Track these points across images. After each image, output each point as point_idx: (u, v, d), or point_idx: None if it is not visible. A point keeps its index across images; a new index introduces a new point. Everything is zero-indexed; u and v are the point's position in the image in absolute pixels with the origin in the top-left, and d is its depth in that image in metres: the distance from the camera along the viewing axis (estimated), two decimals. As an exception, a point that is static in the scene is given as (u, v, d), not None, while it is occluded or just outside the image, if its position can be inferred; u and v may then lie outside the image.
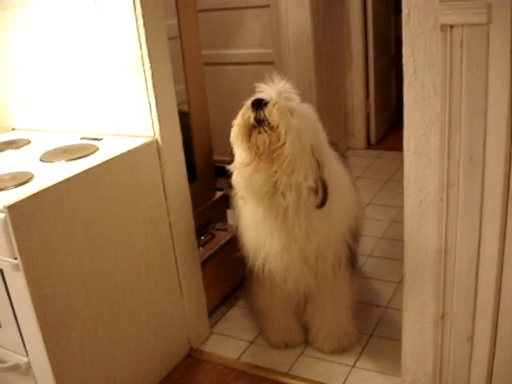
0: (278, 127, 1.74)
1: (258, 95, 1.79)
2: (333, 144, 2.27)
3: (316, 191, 1.83)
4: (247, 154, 1.81)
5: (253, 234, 2.01)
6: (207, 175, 2.71)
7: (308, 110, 1.87)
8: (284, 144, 1.75)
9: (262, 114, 1.74)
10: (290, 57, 4.01)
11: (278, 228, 1.91)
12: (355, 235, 2.08)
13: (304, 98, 4.11)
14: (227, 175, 3.61)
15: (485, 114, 1.46)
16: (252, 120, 1.76)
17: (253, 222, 1.99)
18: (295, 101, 1.83)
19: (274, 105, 1.74)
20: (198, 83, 2.59)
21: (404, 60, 1.51)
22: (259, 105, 1.74)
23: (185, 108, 2.47)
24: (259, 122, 1.75)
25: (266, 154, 1.78)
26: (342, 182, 1.98)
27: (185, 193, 2.23)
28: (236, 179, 1.89)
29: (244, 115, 1.78)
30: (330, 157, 1.94)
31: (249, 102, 1.77)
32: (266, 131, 1.75)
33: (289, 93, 1.83)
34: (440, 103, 1.49)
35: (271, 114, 1.74)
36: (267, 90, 1.82)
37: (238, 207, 2.08)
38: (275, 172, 1.79)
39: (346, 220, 2.00)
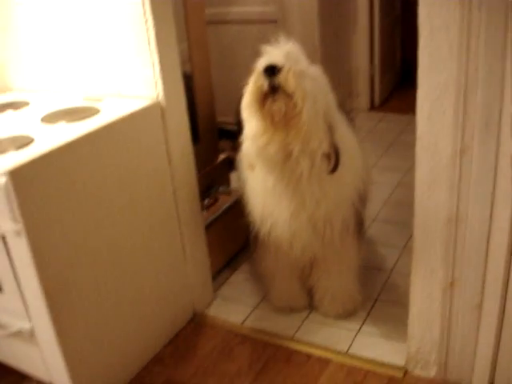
0: (293, 94, 1.66)
1: (266, 58, 1.71)
2: (340, 105, 2.22)
3: (328, 157, 1.78)
4: (261, 124, 1.73)
5: (260, 202, 1.96)
6: (210, 137, 2.66)
7: (318, 73, 1.80)
8: (301, 112, 1.68)
9: (276, 80, 1.66)
10: (294, 15, 3.91)
11: (288, 195, 1.87)
12: (363, 199, 2.04)
13: (308, 58, 4.03)
14: (231, 137, 3.58)
15: (502, 79, 1.40)
16: (266, 87, 1.67)
17: (261, 189, 1.94)
18: (304, 63, 1.75)
19: (288, 71, 1.66)
20: (201, 42, 2.52)
21: (419, 21, 1.45)
22: (272, 71, 1.66)
23: (186, 69, 2.40)
24: (273, 89, 1.67)
25: (282, 123, 1.71)
26: (350, 145, 1.93)
27: (189, 156, 2.18)
28: (247, 149, 1.83)
29: (257, 82, 1.70)
30: (340, 120, 1.88)
31: (260, 68, 1.68)
32: (281, 99, 1.67)
33: (297, 55, 1.75)
34: (456, 66, 1.44)
35: (287, 80, 1.66)
36: (274, 52, 1.73)
37: (244, 174, 2.03)
38: (291, 140, 1.73)
39: (355, 184, 1.96)
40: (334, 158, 1.79)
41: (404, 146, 3.76)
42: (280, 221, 1.92)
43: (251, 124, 1.76)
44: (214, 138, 2.71)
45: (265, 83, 1.67)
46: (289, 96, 1.67)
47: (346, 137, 1.91)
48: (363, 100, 4.61)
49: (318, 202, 1.87)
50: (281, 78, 1.66)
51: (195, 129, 2.46)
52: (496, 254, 1.61)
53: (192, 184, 2.23)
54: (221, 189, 2.69)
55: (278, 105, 1.68)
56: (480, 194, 1.56)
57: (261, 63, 1.70)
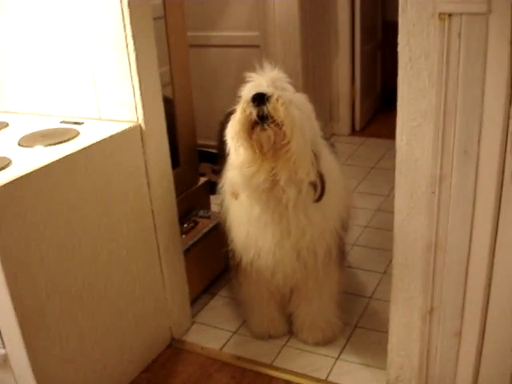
0: (283, 123, 1.64)
1: (253, 86, 1.69)
2: (321, 131, 2.22)
3: (314, 185, 1.77)
4: (249, 153, 1.70)
5: (244, 230, 1.94)
6: (190, 161, 2.65)
7: (303, 101, 1.79)
8: (290, 141, 1.66)
9: (265, 109, 1.63)
10: (276, 40, 3.94)
11: (273, 224, 1.85)
12: (345, 226, 2.04)
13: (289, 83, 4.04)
14: (211, 160, 3.57)
15: (481, 107, 1.42)
16: (254, 116, 1.64)
17: (245, 218, 1.91)
18: (290, 91, 1.73)
19: (277, 99, 1.63)
20: (183, 65, 2.52)
21: (399, 48, 1.46)
22: (261, 100, 1.63)
23: (167, 93, 2.39)
24: (262, 118, 1.64)
25: (270, 153, 1.69)
26: (333, 172, 1.92)
27: (168, 180, 2.17)
28: (233, 177, 1.81)
29: (245, 111, 1.66)
30: (324, 147, 1.88)
31: (248, 96, 1.66)
32: (270, 128, 1.65)
33: (283, 82, 1.73)
34: (435, 94, 1.45)
35: (276, 109, 1.63)
36: (259, 80, 1.71)
37: (226, 202, 2.00)
38: (279, 170, 1.71)
39: (339, 211, 1.95)
40: (320, 187, 1.78)
41: (384, 170, 3.78)
42: (264, 250, 1.90)
43: (238, 153, 1.73)
44: (194, 161, 2.70)
45: (253, 112, 1.64)
46: (278, 125, 1.65)
47: (329, 164, 1.91)
48: (344, 125, 4.63)
49: (303, 230, 1.86)
50: (270, 107, 1.63)
51: (175, 152, 2.45)
52: (475, 281, 1.61)
53: (171, 208, 2.21)
54: (201, 212, 2.67)
55: (267, 134, 1.65)
56: (459, 221, 1.56)
57: (247, 91, 1.69)
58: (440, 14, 1.37)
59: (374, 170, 3.89)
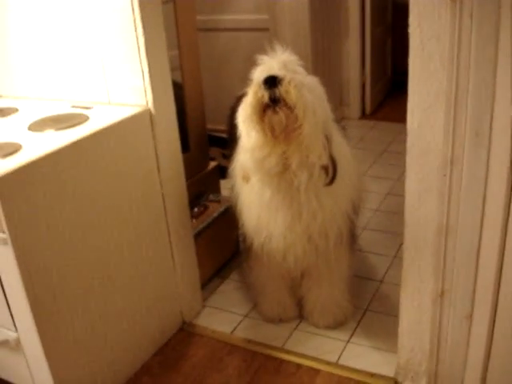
0: (295, 106, 1.63)
1: (264, 69, 1.67)
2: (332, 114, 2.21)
3: (326, 169, 1.76)
4: (261, 136, 1.69)
5: (255, 214, 1.93)
6: (200, 145, 2.65)
7: (315, 83, 1.77)
8: (302, 124, 1.65)
9: (277, 92, 1.62)
10: (286, 23, 3.91)
11: (284, 207, 1.84)
12: (356, 209, 2.03)
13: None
14: (221, 145, 3.57)
15: (493, 89, 1.40)
16: (266, 99, 1.63)
17: (256, 201, 1.90)
18: (301, 73, 1.71)
19: (289, 82, 1.62)
20: (192, 49, 2.51)
21: (410, 30, 1.44)
22: (273, 82, 1.61)
23: (177, 77, 2.39)
24: (274, 101, 1.63)
25: (282, 136, 1.68)
26: (345, 156, 1.91)
27: (178, 164, 2.17)
28: (244, 161, 1.80)
29: (256, 94, 1.65)
30: (335, 131, 1.87)
31: (260, 79, 1.64)
32: (282, 111, 1.63)
33: (294, 65, 1.71)
34: (447, 76, 1.43)
35: (288, 92, 1.62)
36: (271, 62, 1.69)
37: (237, 186, 2.00)
38: (291, 153, 1.71)
39: (350, 194, 1.94)
40: (331, 170, 1.77)
41: (395, 154, 3.76)
42: (275, 233, 1.90)
43: (250, 136, 1.72)
44: (204, 145, 2.69)
45: (265, 95, 1.63)
46: (290, 108, 1.64)
47: (341, 147, 1.89)
48: (354, 108, 4.61)
49: (314, 214, 1.86)
50: (282, 90, 1.62)
51: (185, 136, 2.45)
52: (486, 263, 1.60)
53: (181, 192, 2.21)
54: (211, 197, 2.68)
55: (279, 117, 1.64)
56: (470, 204, 1.55)
57: (259, 74, 1.67)
58: (452, -5, 1.36)
59: (384, 153, 3.87)
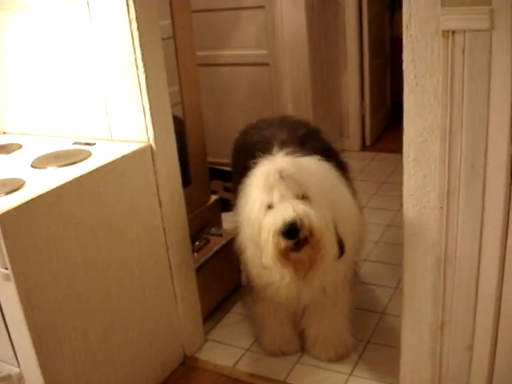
0: (318, 242, 1.67)
1: (279, 214, 1.66)
2: (331, 147, 2.24)
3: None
4: (285, 272, 1.74)
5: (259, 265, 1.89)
6: (202, 179, 2.67)
7: (318, 165, 1.79)
8: (324, 256, 1.70)
9: (298, 239, 1.64)
10: (285, 58, 3.98)
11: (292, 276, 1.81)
12: (358, 252, 2.06)
13: (299, 100, 4.10)
14: (222, 177, 3.59)
15: (486, 121, 1.43)
16: (290, 245, 1.66)
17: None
18: (303, 172, 1.72)
19: (308, 226, 1.63)
20: (193, 84, 2.55)
21: (404, 65, 1.48)
22: (293, 234, 1.63)
23: (177, 113, 2.43)
24: (297, 244, 1.66)
25: (305, 269, 1.74)
26: (349, 210, 1.89)
27: (179, 198, 2.19)
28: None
29: (277, 245, 1.66)
30: (340, 194, 1.85)
31: (277, 227, 1.63)
32: (305, 249, 1.68)
33: (291, 170, 1.70)
34: (441, 110, 1.47)
35: (312, 235, 1.65)
36: (268, 167, 1.72)
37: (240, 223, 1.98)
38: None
39: (355, 246, 1.95)
40: (339, 250, 1.77)
41: (395, 185, 3.77)
42: (281, 285, 1.86)
43: (274, 271, 1.75)
44: (205, 179, 2.72)
45: (288, 243, 1.65)
46: (313, 246, 1.68)
47: (345, 203, 1.88)
48: (354, 140, 4.64)
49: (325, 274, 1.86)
50: (302, 235, 1.64)
51: (186, 171, 2.48)
52: (485, 294, 1.61)
53: (183, 226, 2.23)
54: (212, 230, 2.69)
55: (303, 255, 1.69)
56: (468, 235, 1.57)
57: (275, 220, 1.65)
58: (443, 32, 1.39)
59: (384, 184, 3.89)
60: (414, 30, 1.44)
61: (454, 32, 1.39)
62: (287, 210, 1.63)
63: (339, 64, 4.45)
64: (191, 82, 2.54)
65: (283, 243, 1.65)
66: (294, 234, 1.63)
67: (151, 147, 2.01)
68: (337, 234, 1.76)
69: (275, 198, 1.68)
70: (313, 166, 1.78)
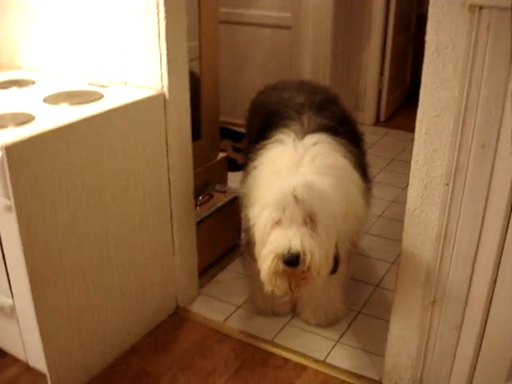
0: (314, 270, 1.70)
1: (282, 240, 1.68)
2: (352, 122, 2.22)
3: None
4: (281, 287, 1.77)
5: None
6: (212, 135, 2.67)
7: (332, 194, 1.76)
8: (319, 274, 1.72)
9: (299, 266, 1.67)
10: (308, 23, 3.92)
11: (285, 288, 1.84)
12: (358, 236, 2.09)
13: (317, 67, 4.05)
14: (233, 138, 3.59)
15: (503, 102, 1.41)
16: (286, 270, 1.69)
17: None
18: (316, 196, 1.70)
19: (309, 260, 1.66)
20: (212, 41, 2.53)
21: (427, 37, 1.45)
22: (294, 263, 1.66)
23: (195, 68, 2.41)
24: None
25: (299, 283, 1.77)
26: (357, 217, 1.92)
27: (187, 150, 2.19)
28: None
29: (276, 266, 1.69)
30: (351, 203, 1.86)
31: (280, 253, 1.66)
32: (301, 270, 1.69)
33: (308, 190, 1.69)
34: (458, 86, 1.45)
35: (309, 268, 1.68)
36: (284, 185, 1.70)
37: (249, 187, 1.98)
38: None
39: (357, 228, 1.99)
40: (334, 264, 1.82)
41: (404, 163, 3.76)
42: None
43: (269, 284, 1.77)
44: (215, 136, 2.71)
45: (286, 268, 1.68)
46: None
47: (354, 210, 1.89)
48: (369, 114, 4.61)
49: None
50: (301, 267, 1.67)
51: (197, 125, 2.48)
52: (480, 276, 1.61)
53: (188, 178, 2.23)
54: (217, 187, 2.70)
55: (298, 274, 1.71)
56: (470, 215, 1.57)
57: (280, 244, 1.68)
58: (470, 6, 1.37)
59: (394, 161, 3.88)
60: (440, 2, 1.41)
61: (481, 7, 1.36)
62: (295, 240, 1.66)
63: (362, 36, 4.39)
64: (211, 38, 2.52)
65: (281, 267, 1.68)
66: (294, 263, 1.66)
67: (164, 96, 1.99)
68: (336, 249, 1.80)
69: (285, 218, 1.69)
70: (325, 187, 1.75)
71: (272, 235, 1.72)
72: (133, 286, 2.09)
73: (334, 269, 1.83)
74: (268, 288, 1.77)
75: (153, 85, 2.01)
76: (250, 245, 2.11)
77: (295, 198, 1.68)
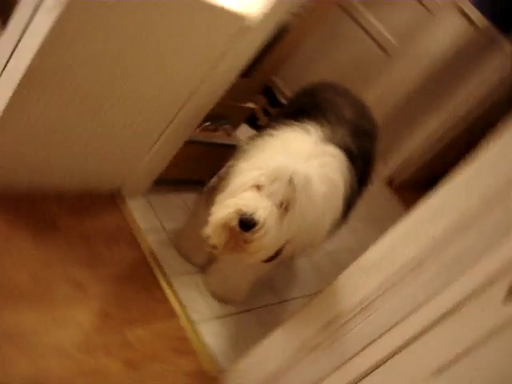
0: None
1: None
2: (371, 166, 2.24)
3: None
4: (219, 240, 1.78)
5: None
6: (256, 85, 2.66)
7: (322, 205, 1.78)
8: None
9: (247, 233, 1.69)
10: (406, 62, 3.90)
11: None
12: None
13: (384, 103, 3.91)
14: (271, 101, 3.57)
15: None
16: (237, 229, 1.69)
17: None
18: (307, 195, 1.72)
19: (262, 235, 1.68)
20: (322, 10, 2.51)
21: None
22: (247, 227, 1.67)
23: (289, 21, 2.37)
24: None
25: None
26: (319, 235, 1.92)
27: (230, 77, 2.21)
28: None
29: (229, 221, 1.70)
30: (323, 220, 1.87)
31: (242, 211, 1.67)
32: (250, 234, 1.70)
33: (304, 185, 1.71)
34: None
35: (256, 240, 1.69)
36: (289, 165, 1.71)
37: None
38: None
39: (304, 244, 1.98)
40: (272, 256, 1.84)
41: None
42: None
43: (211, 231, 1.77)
44: (258, 87, 2.70)
45: (236, 228, 1.69)
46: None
47: (321, 227, 1.90)
48: (384, 174, 4.61)
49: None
50: (250, 234, 1.68)
51: (253, 65, 2.45)
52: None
53: (210, 101, 2.25)
54: (226, 126, 2.68)
55: (241, 239, 1.72)
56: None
57: (246, 204, 1.69)
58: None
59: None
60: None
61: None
62: (262, 211, 1.67)
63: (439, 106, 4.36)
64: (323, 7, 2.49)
65: (234, 223, 1.68)
66: (246, 227, 1.67)
67: (250, 21, 1.98)
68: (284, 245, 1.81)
69: (269, 189, 1.70)
70: (317, 191, 1.76)
71: (246, 193, 1.72)
72: (105, 140, 2.10)
73: (270, 259, 1.84)
74: (206, 233, 1.78)
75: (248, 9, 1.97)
76: (214, 191, 2.13)
77: (290, 179, 1.69)
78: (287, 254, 1.94)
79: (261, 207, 1.67)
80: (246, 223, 1.66)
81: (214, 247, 1.81)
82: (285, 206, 1.71)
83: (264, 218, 1.66)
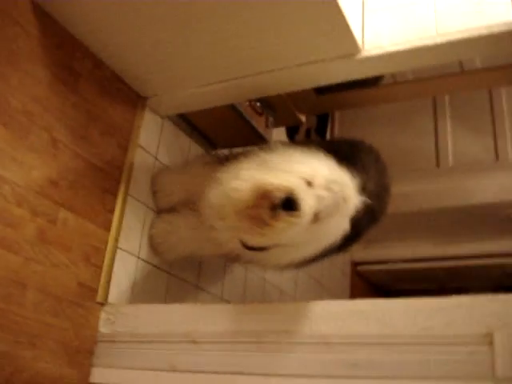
0: None
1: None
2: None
3: None
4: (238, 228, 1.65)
5: None
6: (322, 106, 2.66)
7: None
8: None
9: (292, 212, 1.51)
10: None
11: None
12: None
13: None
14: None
15: None
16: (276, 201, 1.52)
17: None
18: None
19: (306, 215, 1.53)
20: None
21: None
22: (292, 206, 1.50)
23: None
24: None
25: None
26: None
27: (306, 84, 2.20)
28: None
29: (276, 191, 1.52)
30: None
31: (289, 188, 1.52)
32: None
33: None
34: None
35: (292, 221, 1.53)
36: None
37: None
38: None
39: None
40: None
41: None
42: None
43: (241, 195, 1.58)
44: (319, 108, 2.69)
45: (277, 201, 1.51)
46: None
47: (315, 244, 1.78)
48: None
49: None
50: (287, 217, 1.51)
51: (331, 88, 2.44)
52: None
53: (280, 87, 2.24)
54: (270, 118, 2.64)
55: (274, 213, 1.54)
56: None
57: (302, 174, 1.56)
58: None
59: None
60: None
61: None
62: (310, 204, 1.53)
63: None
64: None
65: (279, 195, 1.51)
66: (289, 208, 1.51)
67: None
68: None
69: (316, 192, 1.56)
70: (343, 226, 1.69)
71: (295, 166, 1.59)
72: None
73: (259, 249, 1.74)
74: (235, 186, 1.60)
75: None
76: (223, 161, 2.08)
77: (343, 198, 1.60)
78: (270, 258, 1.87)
79: (309, 199, 1.54)
80: (293, 202, 1.50)
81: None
82: (318, 216, 1.58)
83: (308, 210, 1.53)
